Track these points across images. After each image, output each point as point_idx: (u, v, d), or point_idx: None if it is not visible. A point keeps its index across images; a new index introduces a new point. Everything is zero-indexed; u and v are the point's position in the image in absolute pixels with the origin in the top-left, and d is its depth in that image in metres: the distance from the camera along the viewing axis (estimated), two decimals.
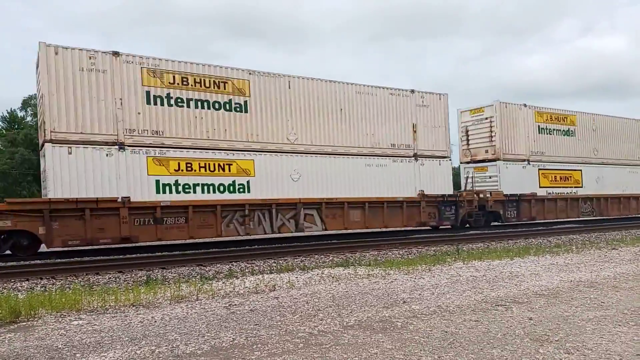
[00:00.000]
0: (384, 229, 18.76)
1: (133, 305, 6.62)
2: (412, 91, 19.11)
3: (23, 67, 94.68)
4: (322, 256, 13.15)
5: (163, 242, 14.83)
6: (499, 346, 4.44)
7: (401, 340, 4.70)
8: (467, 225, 20.51)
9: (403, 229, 19.15)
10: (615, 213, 25.90)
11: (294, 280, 8.45)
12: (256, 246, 15.21)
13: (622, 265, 9.52)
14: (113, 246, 14.56)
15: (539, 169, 22.89)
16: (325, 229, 16.89)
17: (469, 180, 22.03)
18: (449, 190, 19.71)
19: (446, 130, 19.87)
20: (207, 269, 11.20)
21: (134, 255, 13.26)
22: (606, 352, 4.25)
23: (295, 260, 12.51)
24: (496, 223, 21.76)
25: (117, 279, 10.09)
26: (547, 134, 23.44)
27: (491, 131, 22.16)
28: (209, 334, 5.03)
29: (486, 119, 22.41)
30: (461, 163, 23.77)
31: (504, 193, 21.29)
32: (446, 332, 4.95)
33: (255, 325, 5.37)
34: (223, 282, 8.51)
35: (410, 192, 18.64)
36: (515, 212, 21.66)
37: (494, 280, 7.99)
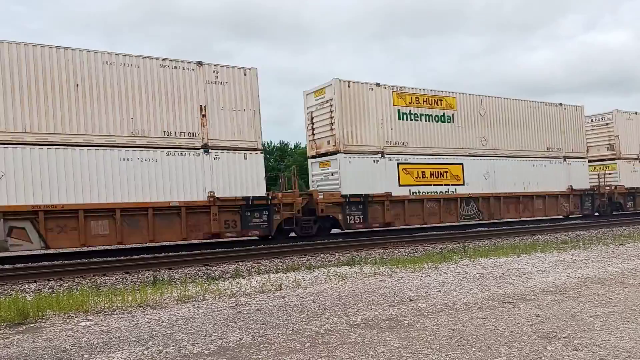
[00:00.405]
0: (156, 244, 14.44)
1: (140, 306, 6.64)
2: (200, 63, 14.73)
3: None
4: (327, 255, 13.17)
5: (171, 243, 14.81)
6: (506, 344, 4.43)
7: (408, 338, 4.69)
8: (293, 234, 16.62)
9: (184, 242, 15.07)
10: (513, 215, 21.18)
11: (300, 279, 8.45)
12: (262, 245, 15.23)
13: (629, 261, 9.47)
14: (120, 247, 14.61)
15: (399, 164, 18.15)
16: (47, 247, 12.76)
17: (313, 178, 18.58)
18: (260, 190, 15.38)
19: (255, 114, 15.47)
20: (213, 269, 11.23)
21: (140, 256, 13.32)
22: (614, 349, 4.22)
23: (301, 259, 12.54)
24: (337, 230, 17.74)
25: (124, 280, 10.13)
26: (411, 119, 18.55)
27: (331, 117, 17.54)
28: (216, 334, 5.04)
29: (327, 102, 17.73)
30: (308, 158, 19.14)
31: (343, 193, 16.93)
32: (453, 330, 4.93)
33: (262, 324, 5.38)
34: (229, 282, 8.53)
35: (198, 195, 14.45)
36: (360, 216, 17.20)
37: (501, 277, 7.97)
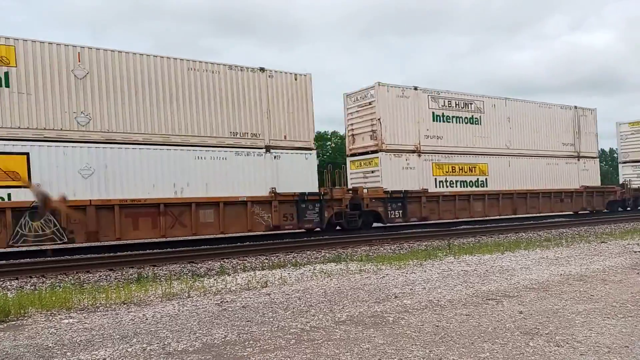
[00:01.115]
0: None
1: (124, 303, 6.58)
2: None
3: None
4: (314, 252, 13.18)
5: (155, 240, 14.70)
6: (489, 340, 4.47)
7: (393, 335, 4.71)
8: None
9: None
10: (146, 234, 14.11)
11: (286, 276, 8.45)
12: (248, 242, 15.18)
13: (611, 258, 9.62)
14: (104, 244, 14.46)
15: None
16: None
17: None
18: None
19: None
20: (198, 266, 11.18)
21: (124, 253, 13.19)
22: (595, 345, 4.29)
23: (287, 256, 12.53)
24: None
25: (108, 277, 10.04)
26: None
27: None
28: (200, 331, 5.02)
29: None
30: None
31: None
32: (437, 326, 4.97)
33: (247, 321, 5.37)
34: (215, 279, 8.49)
35: None
36: None
37: (485, 274, 8.04)
